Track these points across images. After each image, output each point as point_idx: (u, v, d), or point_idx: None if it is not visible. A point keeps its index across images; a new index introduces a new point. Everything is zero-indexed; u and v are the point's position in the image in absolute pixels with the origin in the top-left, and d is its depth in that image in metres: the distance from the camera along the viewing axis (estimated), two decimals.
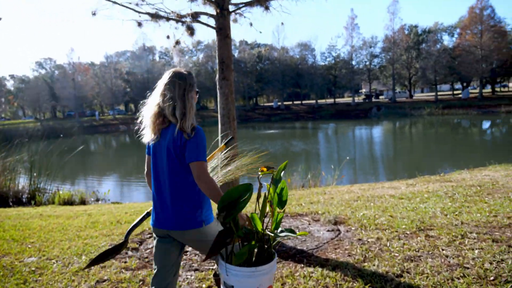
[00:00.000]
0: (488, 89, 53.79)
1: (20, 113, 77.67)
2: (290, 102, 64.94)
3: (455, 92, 56.45)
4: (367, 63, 57.08)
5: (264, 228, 1.95)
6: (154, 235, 2.14)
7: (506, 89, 60.36)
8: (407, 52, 51.20)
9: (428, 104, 45.94)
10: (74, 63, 57.47)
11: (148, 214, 2.42)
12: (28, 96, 55.01)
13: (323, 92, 64.04)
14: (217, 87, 4.04)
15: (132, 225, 2.41)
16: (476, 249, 3.13)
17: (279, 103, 59.80)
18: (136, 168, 17.97)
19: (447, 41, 55.63)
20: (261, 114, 56.46)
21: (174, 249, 2.08)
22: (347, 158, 10.84)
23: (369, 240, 3.54)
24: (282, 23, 5.07)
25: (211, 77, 61.14)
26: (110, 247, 2.78)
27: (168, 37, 5.00)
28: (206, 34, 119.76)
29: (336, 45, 59.77)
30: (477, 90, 51.40)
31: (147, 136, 2.06)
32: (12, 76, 75.76)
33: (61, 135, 43.00)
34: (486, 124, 32.04)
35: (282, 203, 2.01)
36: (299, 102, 65.10)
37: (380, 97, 62.26)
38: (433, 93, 53.31)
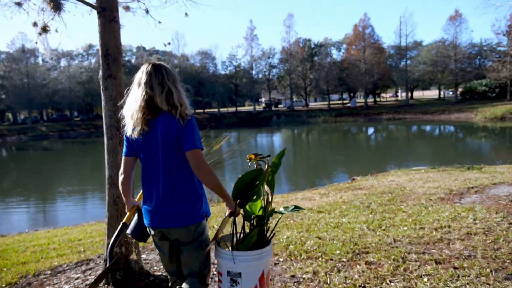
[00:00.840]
0: (371, 99, 60.15)
1: None
2: (192, 111, 63.51)
3: (344, 101, 61.83)
4: (266, 73, 59.05)
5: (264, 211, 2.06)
6: (153, 239, 2.05)
7: (384, 98, 68.34)
8: (302, 64, 54.32)
9: (322, 112, 49.31)
10: None
11: (124, 225, 2.13)
12: None
13: (225, 100, 64.35)
14: (101, 88, 3.00)
15: (111, 243, 2.11)
16: (424, 275, 2.72)
17: None
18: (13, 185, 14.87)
19: (336, 55, 60.81)
20: None
21: (172, 254, 2.03)
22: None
23: (304, 276, 2.90)
24: (186, 14, 4.21)
25: None
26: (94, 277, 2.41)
27: (34, 24, 3.78)
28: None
29: (237, 55, 60.42)
30: (362, 100, 57.01)
31: (130, 130, 1.91)
32: None
33: None
34: (370, 130, 35.44)
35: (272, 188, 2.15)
36: (201, 110, 64.21)
37: (279, 105, 64.98)
38: (326, 102, 57.53)
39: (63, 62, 62.12)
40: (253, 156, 2.11)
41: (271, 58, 58.42)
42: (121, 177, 2.04)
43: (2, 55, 56.24)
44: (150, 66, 1.93)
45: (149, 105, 1.87)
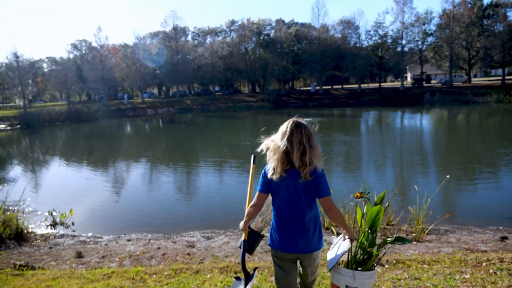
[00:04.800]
0: None
1: (58, 96, 77.82)
2: (329, 87, 59.58)
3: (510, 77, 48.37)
4: (419, 42, 50.44)
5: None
6: (278, 259, 2.45)
7: None
8: (467, 29, 44.28)
9: (493, 89, 39.37)
10: (103, 44, 55.15)
11: (245, 242, 2.58)
12: (56, 78, 53.52)
13: (367, 75, 58.11)
14: None
15: (242, 260, 2.56)
16: None
17: (317, 87, 54.72)
18: (150, 158, 14.56)
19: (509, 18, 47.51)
20: (297, 99, 51.75)
21: (296, 269, 2.50)
22: (447, 177, 6.53)
23: None
24: None
25: (244, 59, 57.10)
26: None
27: None
28: (240, 14, 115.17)
29: (384, 22, 52.83)
30: None
31: (270, 173, 2.30)
32: (49, 58, 75.88)
33: (82, 119, 41.13)
34: None
35: (372, 228, 2.57)
36: (339, 86, 59.63)
37: (431, 81, 55.41)
38: (491, 78, 46.21)
39: (208, 39, 65.37)
40: (358, 194, 2.62)
41: (426, 24, 49.49)
42: (252, 208, 2.50)
43: (159, 35, 61.84)
44: (294, 124, 2.31)
45: (288, 157, 2.26)
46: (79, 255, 5.16)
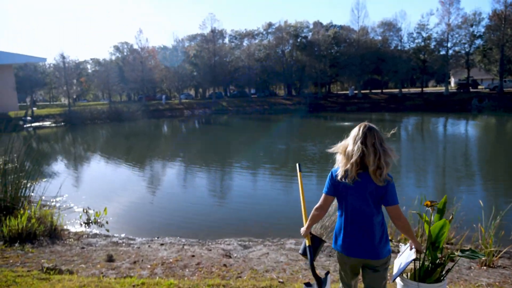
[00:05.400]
0: None
1: (100, 95, 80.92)
2: (367, 91, 57.72)
3: None
4: (466, 45, 47.74)
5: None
6: (343, 262, 2.47)
7: None
8: None
9: None
10: (143, 47, 56.61)
11: (310, 248, 2.56)
12: (98, 78, 55.45)
13: (408, 79, 55.72)
14: None
15: (311, 266, 2.51)
16: None
17: (356, 91, 53.17)
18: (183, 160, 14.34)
19: None
20: (335, 103, 50.52)
21: (358, 275, 2.51)
22: None
23: None
24: None
25: (281, 61, 56.55)
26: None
27: None
28: (277, 17, 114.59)
29: (428, 24, 50.36)
30: None
31: (341, 175, 2.31)
32: (93, 60, 79.12)
33: (122, 119, 42.21)
34: None
35: (433, 243, 2.62)
36: (378, 90, 57.68)
37: (478, 86, 52.24)
38: None
39: (245, 42, 65.49)
40: (429, 203, 2.63)
41: (474, 25, 46.77)
42: (318, 211, 2.48)
43: (198, 37, 62.69)
44: (366, 128, 2.30)
45: (362, 161, 2.25)
46: (110, 259, 4.87)
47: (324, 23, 62.24)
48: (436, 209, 2.78)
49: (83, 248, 5.50)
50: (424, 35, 50.10)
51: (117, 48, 74.69)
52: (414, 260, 2.44)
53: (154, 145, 22.72)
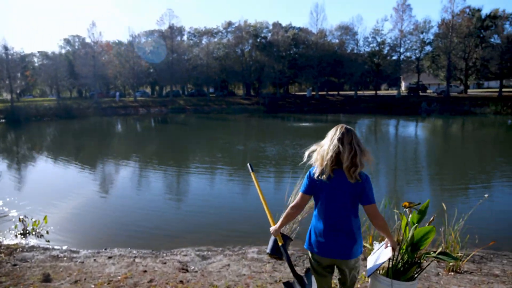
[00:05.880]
0: None
1: (48, 91, 75.88)
2: (324, 92, 58.91)
3: (505, 89, 47.83)
4: (417, 51, 50.13)
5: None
6: (315, 262, 2.45)
7: None
8: (465, 40, 44.03)
9: (490, 101, 39.08)
10: (96, 41, 53.82)
11: (283, 246, 2.57)
12: (46, 73, 51.92)
13: (363, 82, 57.48)
14: None
15: (289, 264, 2.51)
16: None
17: (313, 93, 54.02)
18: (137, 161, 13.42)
19: (507, 31, 47.01)
20: (293, 104, 50.99)
21: (332, 274, 2.50)
22: (485, 196, 5.68)
23: None
24: None
25: (240, 61, 56.17)
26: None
27: None
28: (237, 16, 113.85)
29: (382, 29, 52.29)
30: None
31: (318, 173, 2.33)
32: (40, 53, 74.03)
33: (72, 116, 39.79)
34: None
35: (414, 245, 2.61)
36: (335, 92, 59.06)
37: (427, 90, 55.03)
38: (484, 90, 46.04)
39: (204, 40, 64.36)
40: (407, 204, 2.61)
41: (424, 33, 49.20)
42: (294, 209, 2.47)
43: (155, 33, 60.68)
44: (343, 128, 2.36)
45: (337, 158, 2.28)
46: (46, 278, 4.22)
47: (284, 24, 62.85)
48: (414, 210, 2.82)
49: (15, 265, 4.77)
50: (379, 40, 52.03)
51: (68, 42, 70.52)
52: (390, 258, 2.48)
53: (105, 144, 21.45)
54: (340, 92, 58.87)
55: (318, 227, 2.38)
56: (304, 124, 30.40)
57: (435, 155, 16.43)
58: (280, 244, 2.52)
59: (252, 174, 3.03)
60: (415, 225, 2.72)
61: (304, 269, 2.58)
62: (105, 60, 55.27)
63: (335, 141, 2.29)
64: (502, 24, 44.20)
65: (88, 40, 55.90)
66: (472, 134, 24.95)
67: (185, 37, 66.11)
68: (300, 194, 2.44)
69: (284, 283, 2.48)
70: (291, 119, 36.86)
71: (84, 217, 7.72)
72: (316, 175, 2.33)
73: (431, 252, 2.73)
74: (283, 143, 18.30)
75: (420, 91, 51.21)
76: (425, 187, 10.32)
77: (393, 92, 55.38)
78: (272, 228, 2.60)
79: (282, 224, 2.55)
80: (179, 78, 55.39)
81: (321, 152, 2.35)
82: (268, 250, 2.59)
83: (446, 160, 14.41)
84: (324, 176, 2.29)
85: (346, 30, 52.17)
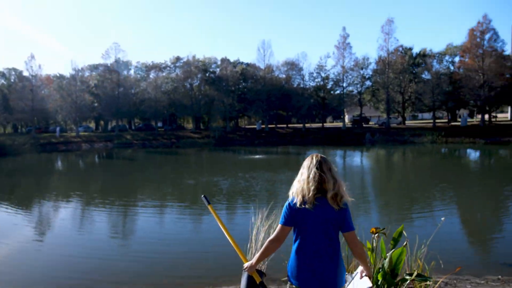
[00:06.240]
0: (478, 118, 50.60)
1: None
2: (273, 125, 60.17)
3: (437, 120, 52.41)
4: (358, 85, 53.31)
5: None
6: None
7: (495, 118, 57.46)
8: (400, 75, 47.73)
9: (426, 131, 42.12)
10: (35, 74, 50.98)
11: (263, 284, 2.42)
12: None
13: (310, 115, 59.61)
14: None
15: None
16: None
17: (263, 126, 54.84)
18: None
19: (437, 67, 51.96)
20: (243, 136, 51.21)
21: None
22: (442, 219, 5.66)
23: None
24: None
25: (189, 95, 55.90)
26: None
27: None
28: (185, 51, 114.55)
29: (326, 65, 55.24)
30: (471, 119, 48.31)
31: (299, 203, 2.26)
32: None
33: (5, 153, 36.56)
34: (503, 154, 28.00)
35: (393, 271, 2.68)
36: (284, 125, 60.46)
37: (369, 122, 58.30)
38: (420, 121, 49.87)
39: (152, 74, 63.59)
40: (374, 230, 2.70)
41: (364, 69, 52.64)
42: (273, 243, 2.33)
43: (100, 68, 58.94)
44: (319, 157, 2.35)
45: (320, 186, 2.26)
46: None
47: (232, 59, 64.11)
48: (382, 236, 2.85)
49: None
50: (323, 75, 54.75)
51: (2, 75, 66.18)
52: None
53: (41, 183, 19.67)
54: (289, 125, 60.39)
55: (301, 258, 2.29)
56: (256, 156, 30.36)
57: (382, 183, 16.92)
58: (258, 281, 2.37)
59: (209, 207, 2.83)
60: (391, 251, 2.67)
61: None
62: (44, 94, 52.35)
63: (314, 169, 2.28)
64: (431, 62, 48.63)
65: (26, 73, 52.84)
66: (413, 162, 26.36)
67: (132, 71, 65.03)
68: (279, 226, 2.33)
69: None
70: (242, 152, 36.76)
71: (12, 266, 6.66)
72: (298, 204, 2.26)
73: (407, 276, 2.73)
74: (235, 175, 17.92)
75: (363, 123, 54.05)
76: (375, 215, 10.39)
77: (339, 124, 57.95)
78: (247, 264, 2.43)
79: (258, 260, 2.40)
80: (126, 112, 53.72)
81: (301, 181, 2.31)
82: None
83: (394, 187, 14.85)
84: (307, 205, 2.23)
85: (292, 65, 54.34)
